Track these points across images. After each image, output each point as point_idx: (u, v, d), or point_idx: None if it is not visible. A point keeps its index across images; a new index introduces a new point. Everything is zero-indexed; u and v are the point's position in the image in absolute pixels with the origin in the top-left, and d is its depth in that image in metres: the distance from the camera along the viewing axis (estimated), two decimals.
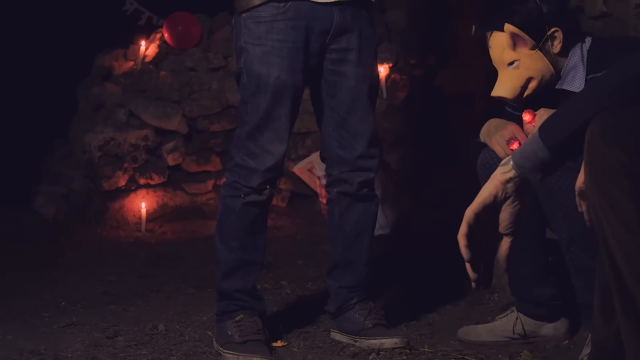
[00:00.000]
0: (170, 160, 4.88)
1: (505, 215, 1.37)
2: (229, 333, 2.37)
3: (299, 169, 4.23)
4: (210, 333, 2.53)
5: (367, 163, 2.48)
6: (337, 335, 2.52)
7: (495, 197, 1.36)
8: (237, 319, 2.39)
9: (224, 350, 2.35)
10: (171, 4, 5.05)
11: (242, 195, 2.39)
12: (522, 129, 2.23)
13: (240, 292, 2.43)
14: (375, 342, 2.40)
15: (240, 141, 2.40)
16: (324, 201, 4.07)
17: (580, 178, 1.43)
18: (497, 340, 2.41)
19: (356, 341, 2.45)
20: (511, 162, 1.36)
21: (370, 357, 2.32)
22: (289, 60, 2.33)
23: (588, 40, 2.22)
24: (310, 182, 4.25)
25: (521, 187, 1.36)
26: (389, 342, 2.39)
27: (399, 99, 4.97)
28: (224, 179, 2.46)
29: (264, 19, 2.32)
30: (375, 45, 2.51)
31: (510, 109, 2.41)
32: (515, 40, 2.18)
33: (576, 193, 1.47)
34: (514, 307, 2.44)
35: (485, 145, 2.31)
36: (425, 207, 4.31)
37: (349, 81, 2.42)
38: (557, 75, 2.21)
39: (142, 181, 4.83)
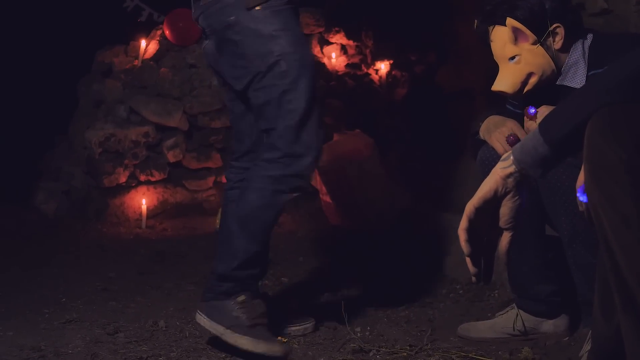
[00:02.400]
0: (171, 156, 4.88)
1: (505, 210, 1.38)
2: (235, 315, 2.33)
3: None
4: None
5: None
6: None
7: (496, 191, 1.37)
8: (239, 300, 2.36)
9: (233, 333, 2.30)
10: (172, 1, 5.04)
11: (289, 191, 2.37)
12: (523, 126, 2.23)
13: (253, 277, 2.43)
14: (299, 329, 2.52)
15: (291, 133, 2.33)
16: (325, 198, 4.07)
17: (581, 178, 1.43)
18: (497, 337, 2.41)
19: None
20: (511, 157, 1.36)
21: (371, 354, 2.32)
22: (307, 41, 2.42)
23: (590, 36, 2.22)
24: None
25: (521, 182, 1.36)
26: (310, 326, 2.53)
27: (399, 96, 4.97)
28: (261, 172, 2.36)
29: (279, 7, 2.39)
30: None
31: (511, 107, 2.41)
32: (516, 35, 2.18)
33: (577, 192, 1.48)
34: (514, 304, 2.44)
35: (484, 142, 2.31)
36: (425, 203, 4.30)
37: None
38: (557, 71, 2.21)
39: (142, 178, 4.83)
